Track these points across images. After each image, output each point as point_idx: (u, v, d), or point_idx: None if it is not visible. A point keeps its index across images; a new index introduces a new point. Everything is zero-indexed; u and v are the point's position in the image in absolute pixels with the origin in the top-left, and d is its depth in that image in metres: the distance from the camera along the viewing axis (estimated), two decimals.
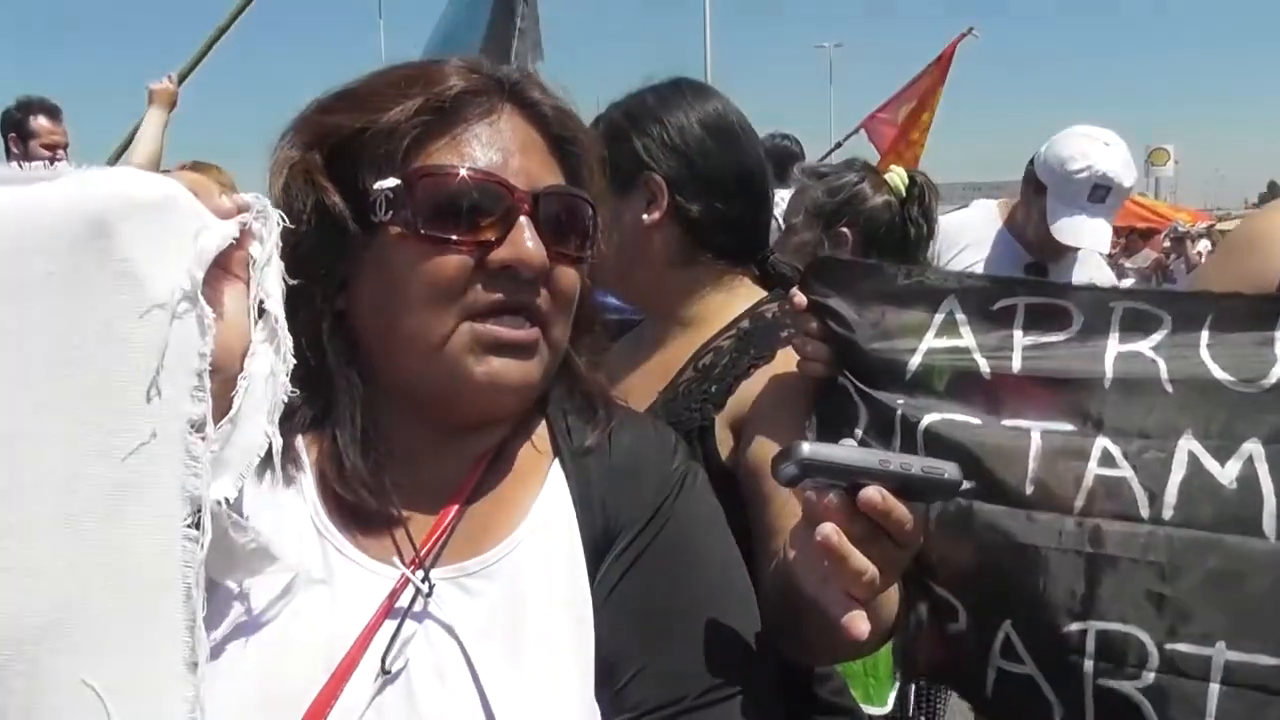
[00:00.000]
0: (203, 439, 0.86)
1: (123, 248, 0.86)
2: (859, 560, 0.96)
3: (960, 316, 1.35)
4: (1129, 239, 15.03)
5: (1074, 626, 1.22)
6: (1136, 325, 1.30)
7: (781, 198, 4.29)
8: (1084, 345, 1.30)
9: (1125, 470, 1.24)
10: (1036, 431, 1.27)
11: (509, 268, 1.04)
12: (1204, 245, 13.32)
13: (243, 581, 0.98)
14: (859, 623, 0.97)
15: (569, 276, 1.10)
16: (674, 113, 1.71)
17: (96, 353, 0.85)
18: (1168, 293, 1.36)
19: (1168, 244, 14.35)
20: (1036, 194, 3.41)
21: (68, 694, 0.81)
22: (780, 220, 3.92)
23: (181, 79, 4.92)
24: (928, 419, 1.30)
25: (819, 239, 2.80)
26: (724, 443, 1.53)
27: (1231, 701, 1.16)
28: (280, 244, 0.94)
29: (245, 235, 0.92)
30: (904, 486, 0.99)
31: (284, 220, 0.94)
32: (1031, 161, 3.49)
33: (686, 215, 1.69)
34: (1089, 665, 1.20)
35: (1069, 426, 1.27)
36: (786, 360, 1.55)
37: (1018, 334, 1.32)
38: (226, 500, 0.89)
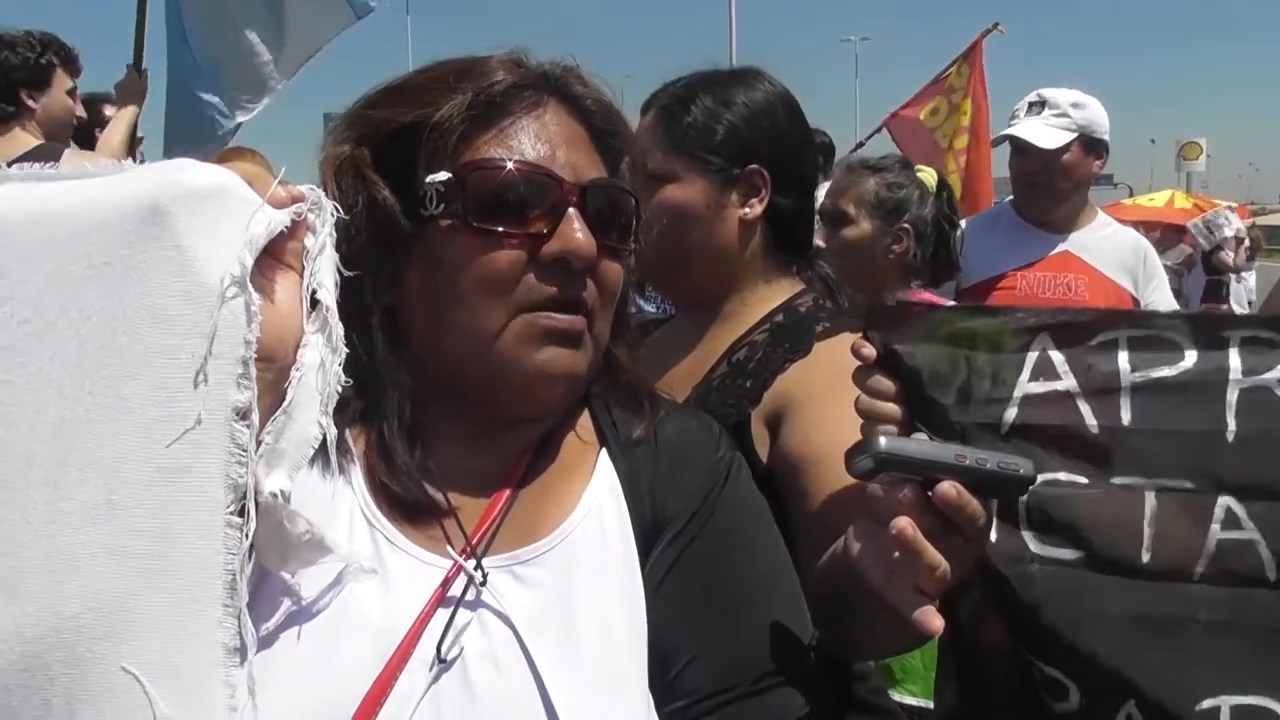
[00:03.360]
0: (248, 427, 0.85)
1: (176, 234, 0.86)
2: (932, 555, 0.96)
3: (1056, 355, 1.19)
4: (1164, 234, 14.86)
5: (1207, 703, 1.11)
6: (1258, 354, 1.17)
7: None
8: (1200, 384, 1.17)
9: (1252, 532, 1.14)
10: (1151, 492, 1.15)
11: (560, 259, 1.05)
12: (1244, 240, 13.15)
13: (295, 571, 0.98)
14: (932, 618, 0.97)
15: (613, 270, 1.11)
16: (757, 99, 1.69)
17: (147, 338, 0.85)
18: None
19: (1189, 249, 14.14)
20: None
21: (109, 680, 0.81)
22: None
23: (138, 65, 4.79)
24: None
25: (880, 232, 2.87)
26: (760, 439, 1.51)
27: None
28: (335, 235, 0.94)
29: (300, 226, 0.92)
30: (978, 482, 0.99)
31: (338, 211, 0.94)
32: None
33: (780, 210, 1.68)
34: None
35: (1187, 484, 1.15)
36: (822, 354, 1.53)
37: (1124, 369, 1.18)
38: (282, 492, 0.89)
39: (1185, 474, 1.15)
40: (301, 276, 0.92)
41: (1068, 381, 1.18)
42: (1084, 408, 1.17)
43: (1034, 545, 1.15)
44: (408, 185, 1.06)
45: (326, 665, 0.95)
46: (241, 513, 0.85)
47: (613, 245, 1.10)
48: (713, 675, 1.03)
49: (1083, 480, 1.16)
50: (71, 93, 3.99)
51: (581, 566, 1.03)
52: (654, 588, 1.04)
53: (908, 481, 0.98)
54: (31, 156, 3.60)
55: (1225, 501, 1.14)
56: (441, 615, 0.99)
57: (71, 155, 3.70)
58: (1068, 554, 1.15)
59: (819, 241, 2.84)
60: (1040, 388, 1.18)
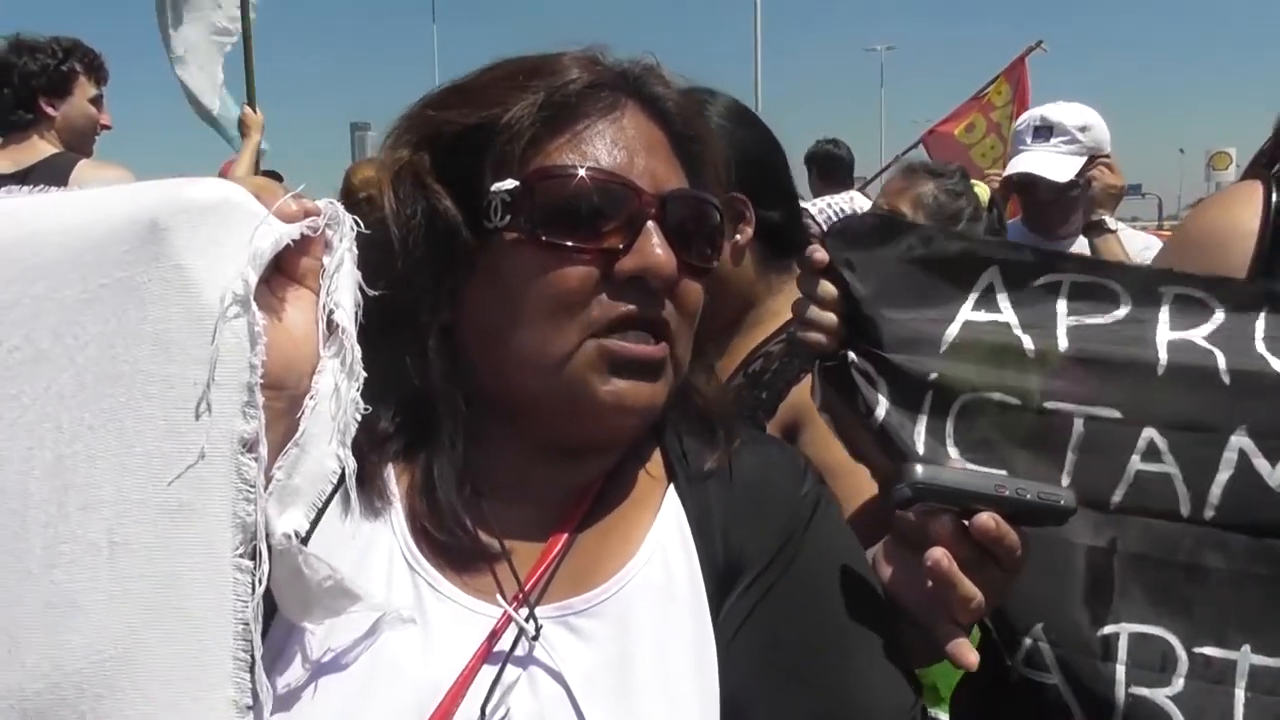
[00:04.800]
0: (255, 460, 0.78)
1: (176, 252, 0.80)
2: (968, 587, 0.94)
3: (1000, 290, 1.24)
4: None
5: (1108, 629, 1.15)
6: (1187, 312, 1.22)
7: (829, 204, 4.31)
8: (1133, 330, 1.21)
9: (1170, 466, 1.17)
10: (1080, 418, 1.19)
11: (636, 278, 0.95)
12: None
13: (320, 621, 0.89)
14: (967, 652, 0.94)
15: (694, 289, 1.00)
16: (722, 126, 1.65)
17: (147, 366, 0.79)
18: (1217, 279, 1.27)
19: None
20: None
21: None
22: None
23: (251, 102, 5.35)
24: (965, 397, 1.20)
25: None
26: None
27: (1258, 711, 1.12)
28: (355, 252, 0.86)
29: (317, 242, 0.85)
30: (1016, 512, 0.97)
31: (358, 225, 0.86)
32: None
33: (771, 223, 1.66)
34: (1121, 672, 1.14)
35: (1115, 414, 1.18)
36: None
37: (1061, 310, 1.23)
38: (297, 534, 0.81)
39: (1115, 403, 1.18)
40: (318, 296, 0.85)
41: (1007, 315, 1.23)
42: (1022, 336, 1.22)
43: (958, 462, 1.16)
44: (471, 194, 0.96)
45: None
46: (254, 555, 0.78)
47: (694, 263, 1.00)
48: None
49: (1015, 401, 1.20)
50: (95, 101, 3.90)
51: (643, 617, 0.93)
52: (727, 641, 0.93)
53: (944, 510, 0.96)
54: (43, 167, 3.54)
55: (1149, 434, 1.18)
56: (488, 671, 0.90)
57: (86, 166, 3.65)
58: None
59: None
60: (981, 316, 1.23)
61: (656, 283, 0.95)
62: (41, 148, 3.69)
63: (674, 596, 0.94)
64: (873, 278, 1.22)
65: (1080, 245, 3.47)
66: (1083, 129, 3.57)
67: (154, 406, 0.78)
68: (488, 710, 0.87)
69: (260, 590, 0.77)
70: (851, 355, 1.21)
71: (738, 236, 1.63)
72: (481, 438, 0.99)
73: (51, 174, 3.50)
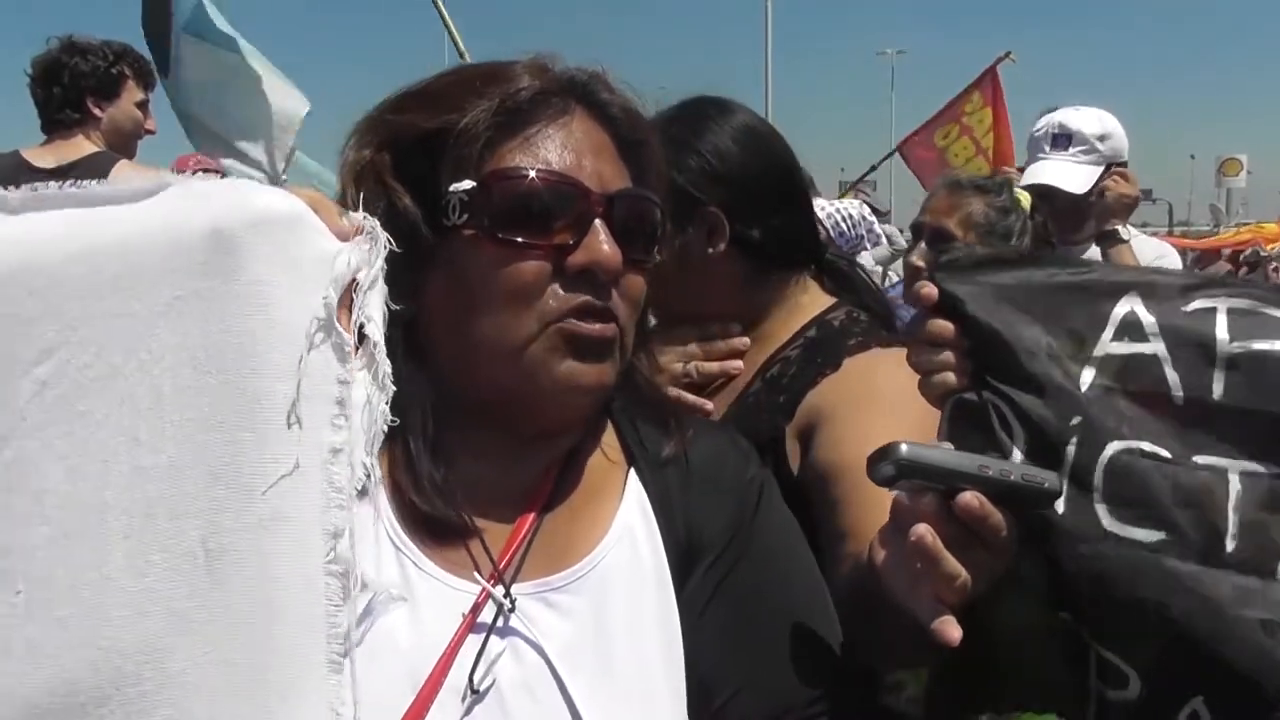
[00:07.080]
0: (346, 468, 0.83)
1: (254, 266, 0.83)
2: (951, 564, 0.94)
3: (1146, 318, 1.09)
4: (1203, 254, 14.63)
5: None
6: None
7: (837, 209, 4.27)
8: None
9: None
10: (1235, 473, 1.06)
11: (586, 271, 1.02)
12: None
13: None
14: (950, 628, 0.95)
15: (637, 282, 1.08)
16: (707, 138, 1.68)
17: (234, 379, 0.82)
18: None
19: (1229, 266, 13.76)
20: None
21: None
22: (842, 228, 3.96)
23: None
24: (1112, 448, 1.06)
25: None
26: (793, 454, 1.52)
27: None
28: (385, 268, 0.91)
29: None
30: (1002, 494, 0.96)
31: (391, 244, 0.92)
32: None
33: (749, 240, 1.68)
34: None
35: (1275, 469, 1.05)
36: (853, 367, 1.56)
37: (1222, 338, 1.08)
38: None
39: (1272, 455, 1.06)
40: (349, 310, 0.90)
41: (1155, 345, 1.09)
42: (1171, 375, 1.08)
43: (1108, 521, 1.06)
44: (430, 193, 1.03)
45: (360, 699, 0.91)
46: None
47: (638, 257, 1.08)
48: (760, 705, 1.03)
49: (1165, 454, 1.06)
50: (142, 105, 3.95)
51: (615, 592, 1.02)
52: (694, 616, 1.03)
53: (931, 489, 0.96)
54: (85, 164, 3.58)
55: None
56: (473, 642, 0.97)
57: (125, 167, 3.69)
58: (1145, 535, 1.05)
59: (917, 261, 2.80)
60: (1124, 349, 1.09)
61: (605, 275, 1.03)
62: (85, 146, 3.73)
63: (641, 573, 1.03)
64: (997, 311, 1.10)
65: (1092, 253, 3.41)
66: (1102, 138, 3.50)
67: (242, 418, 0.81)
68: (475, 678, 0.94)
69: (356, 594, 0.81)
70: (986, 394, 1.09)
71: (709, 249, 1.66)
72: (448, 425, 1.05)
73: (92, 171, 3.53)
